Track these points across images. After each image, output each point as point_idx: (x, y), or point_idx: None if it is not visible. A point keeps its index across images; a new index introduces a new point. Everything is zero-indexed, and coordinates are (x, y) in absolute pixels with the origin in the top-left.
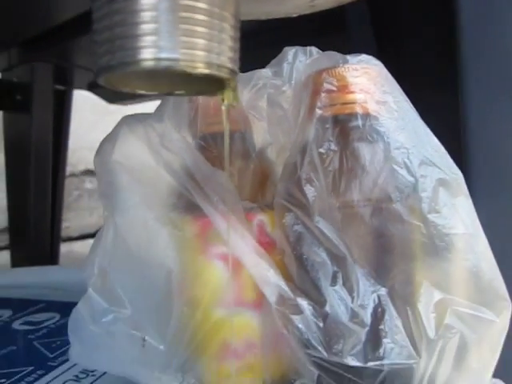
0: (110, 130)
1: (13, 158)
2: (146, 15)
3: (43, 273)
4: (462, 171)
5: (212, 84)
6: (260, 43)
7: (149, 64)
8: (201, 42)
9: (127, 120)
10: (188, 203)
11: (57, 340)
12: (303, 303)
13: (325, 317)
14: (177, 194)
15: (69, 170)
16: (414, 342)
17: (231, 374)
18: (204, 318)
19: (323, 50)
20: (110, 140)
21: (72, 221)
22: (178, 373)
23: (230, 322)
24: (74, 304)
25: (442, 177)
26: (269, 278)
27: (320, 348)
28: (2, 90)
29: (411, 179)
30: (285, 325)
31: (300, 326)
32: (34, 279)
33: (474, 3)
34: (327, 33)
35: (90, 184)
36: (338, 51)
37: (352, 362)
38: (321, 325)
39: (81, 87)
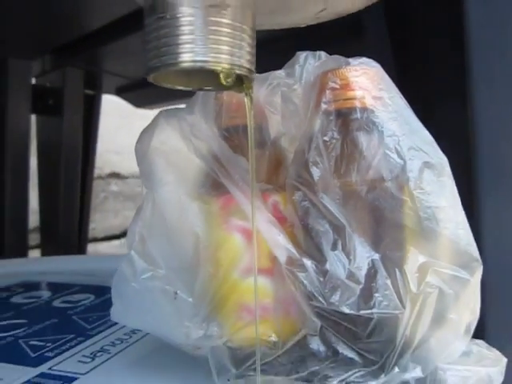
0: (136, 134)
1: (45, 160)
2: (185, 29)
3: (76, 261)
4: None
5: (231, 82)
6: (283, 49)
7: (187, 65)
8: (225, 48)
9: (163, 113)
10: (214, 182)
11: (93, 315)
12: (308, 263)
13: (325, 274)
14: (204, 174)
15: (95, 172)
16: (400, 297)
17: (246, 325)
18: (224, 278)
19: (341, 55)
20: (149, 130)
21: (97, 222)
22: (203, 322)
23: (245, 284)
24: (106, 287)
25: (428, 160)
26: (280, 242)
27: (321, 298)
28: (36, 95)
29: (400, 162)
30: (292, 281)
31: (305, 281)
32: (68, 266)
33: (481, 10)
34: (345, 39)
35: (115, 186)
36: (356, 56)
37: (346, 310)
38: (321, 280)
39: (109, 92)
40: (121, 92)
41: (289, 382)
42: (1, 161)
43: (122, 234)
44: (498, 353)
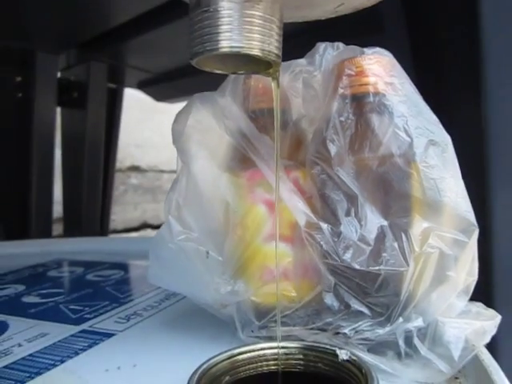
0: (156, 128)
1: (68, 152)
2: (224, 20)
3: (104, 242)
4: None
5: (264, 65)
6: (309, 42)
7: (225, 50)
8: (257, 36)
9: (198, 96)
10: (242, 157)
11: (124, 287)
12: (324, 226)
13: (339, 235)
14: (234, 150)
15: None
16: (405, 257)
17: (268, 282)
18: (250, 242)
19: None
20: (185, 111)
21: (117, 214)
22: (231, 279)
23: (268, 248)
24: (132, 265)
25: (432, 138)
26: (300, 208)
27: (334, 256)
28: (61, 88)
29: (408, 139)
30: (310, 243)
31: (321, 241)
32: (96, 247)
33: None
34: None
35: (134, 180)
36: None
37: (357, 266)
38: (336, 240)
39: (131, 86)
40: (142, 86)
41: (305, 332)
42: (27, 152)
43: (141, 227)
44: (494, 311)
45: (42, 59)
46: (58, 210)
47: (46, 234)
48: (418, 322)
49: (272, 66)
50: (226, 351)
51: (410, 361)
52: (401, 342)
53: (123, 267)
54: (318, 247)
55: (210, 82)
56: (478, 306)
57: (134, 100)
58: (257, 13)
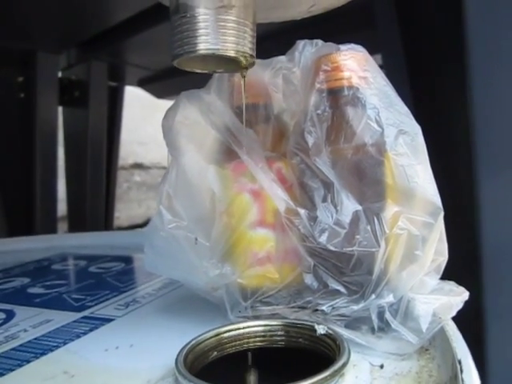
0: (158, 125)
1: (71, 150)
2: (201, 25)
3: (107, 236)
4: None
5: (238, 64)
6: (302, 38)
7: (202, 52)
8: (232, 38)
9: (185, 94)
10: (227, 149)
11: (124, 277)
12: (301, 211)
13: (315, 219)
14: (219, 143)
15: (118, 163)
16: (376, 238)
17: (253, 265)
18: (235, 228)
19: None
20: (173, 108)
21: (122, 211)
22: (218, 263)
23: (252, 233)
24: (134, 258)
25: (402, 128)
26: (279, 195)
27: (311, 239)
28: (62, 88)
29: (379, 129)
30: (290, 227)
31: (299, 226)
32: (100, 241)
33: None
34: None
35: (138, 177)
36: (369, 45)
37: (332, 248)
38: (312, 224)
39: (131, 83)
40: (143, 84)
41: (288, 310)
42: (31, 151)
43: (145, 223)
44: (463, 289)
45: (43, 59)
46: (62, 208)
47: (51, 232)
48: (390, 298)
49: (246, 65)
50: (213, 329)
51: (383, 334)
52: (374, 317)
53: (124, 259)
54: (297, 231)
55: (208, 79)
56: (451, 284)
57: (135, 98)
58: (230, 17)
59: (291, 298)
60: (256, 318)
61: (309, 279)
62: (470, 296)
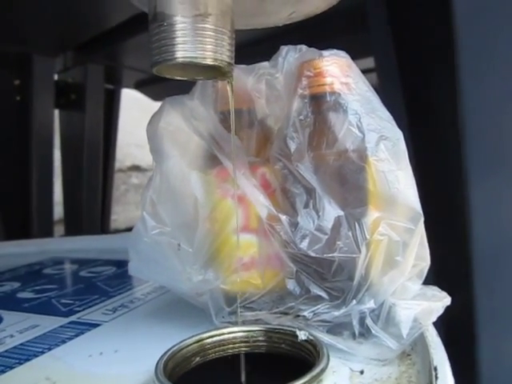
0: None
1: (68, 153)
2: (179, 33)
3: (99, 239)
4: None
5: (218, 72)
6: (295, 41)
7: (180, 60)
8: (209, 46)
9: (169, 100)
10: (210, 155)
11: (114, 282)
12: (283, 217)
13: (296, 225)
14: (202, 149)
15: (116, 165)
16: (357, 244)
17: (236, 271)
18: (218, 233)
19: (348, 46)
20: (157, 114)
21: (119, 214)
22: (201, 269)
23: (235, 239)
24: (125, 261)
25: (383, 134)
26: (261, 201)
27: (292, 245)
28: (59, 90)
29: (361, 135)
30: (272, 233)
31: (280, 232)
32: (91, 245)
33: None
34: (352, 31)
35: (136, 179)
36: (362, 47)
37: (313, 254)
38: (293, 230)
39: (128, 86)
40: (140, 86)
41: (270, 316)
42: (27, 154)
43: None
44: (446, 294)
45: (39, 62)
46: (59, 211)
47: (48, 235)
48: (371, 304)
49: (225, 72)
50: (195, 335)
51: (364, 340)
52: (355, 323)
53: (116, 263)
54: (279, 237)
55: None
56: (434, 290)
57: (132, 100)
58: (207, 25)
59: (274, 304)
60: (240, 323)
61: (291, 285)
62: (462, 298)
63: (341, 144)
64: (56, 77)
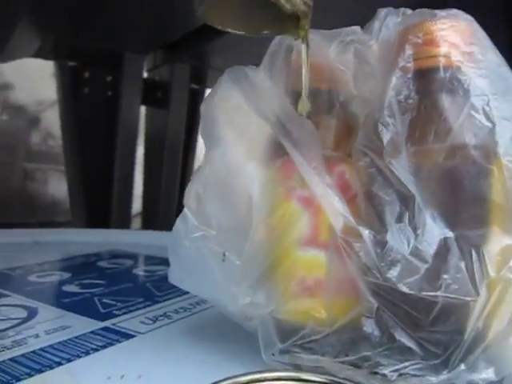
0: None
1: (150, 150)
2: None
3: (158, 236)
4: None
5: (289, 21)
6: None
7: None
8: None
9: (229, 70)
10: (273, 143)
11: (165, 284)
12: (365, 232)
13: (384, 245)
14: (264, 134)
15: (195, 165)
16: (474, 282)
17: (295, 297)
18: (275, 245)
19: None
20: (215, 87)
21: None
22: (250, 289)
23: (298, 254)
24: None
25: None
26: (336, 207)
27: (376, 272)
28: (146, 88)
29: (489, 125)
30: (347, 252)
31: (360, 252)
32: (155, 241)
33: None
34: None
35: None
36: None
37: (405, 288)
38: (379, 251)
39: (213, 87)
40: None
41: (335, 365)
42: (112, 147)
43: None
44: None
45: (130, 60)
46: (137, 206)
47: (125, 226)
48: (488, 374)
49: (300, 22)
50: (230, 377)
51: None
52: None
53: None
54: (357, 259)
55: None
56: None
57: None
58: None
59: (342, 349)
60: (294, 367)
61: (369, 326)
62: None
63: (457, 137)
64: (145, 74)
